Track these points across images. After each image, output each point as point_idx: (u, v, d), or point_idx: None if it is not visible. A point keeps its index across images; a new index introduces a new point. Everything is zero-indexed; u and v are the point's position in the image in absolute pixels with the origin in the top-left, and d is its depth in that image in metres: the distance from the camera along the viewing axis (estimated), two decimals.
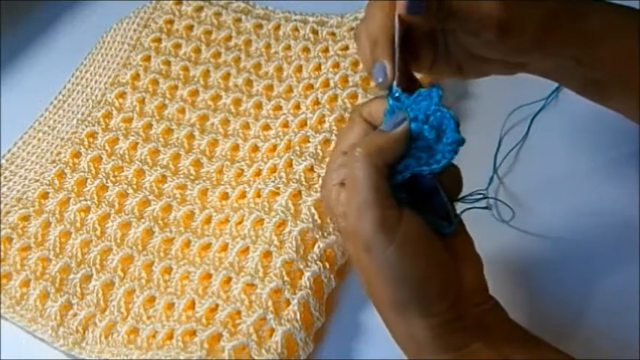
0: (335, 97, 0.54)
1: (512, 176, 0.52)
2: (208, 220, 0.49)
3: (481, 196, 0.40)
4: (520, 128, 0.54)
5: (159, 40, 0.61)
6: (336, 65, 0.56)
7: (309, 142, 0.51)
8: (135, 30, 0.61)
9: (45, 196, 0.51)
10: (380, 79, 0.39)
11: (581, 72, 0.45)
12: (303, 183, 0.49)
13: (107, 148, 0.54)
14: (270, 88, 0.57)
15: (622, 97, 0.46)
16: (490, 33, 0.40)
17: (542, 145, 0.54)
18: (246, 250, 0.46)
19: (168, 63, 0.59)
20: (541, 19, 0.42)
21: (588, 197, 0.51)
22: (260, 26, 0.62)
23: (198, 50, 0.60)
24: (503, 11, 0.40)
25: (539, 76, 0.46)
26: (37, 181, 0.52)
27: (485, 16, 0.40)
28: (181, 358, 0.42)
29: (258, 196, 0.49)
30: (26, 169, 0.53)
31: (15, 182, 0.52)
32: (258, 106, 0.56)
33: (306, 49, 0.59)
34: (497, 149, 0.53)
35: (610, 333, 0.44)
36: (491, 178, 0.52)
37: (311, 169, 0.49)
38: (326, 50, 0.58)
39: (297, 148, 0.51)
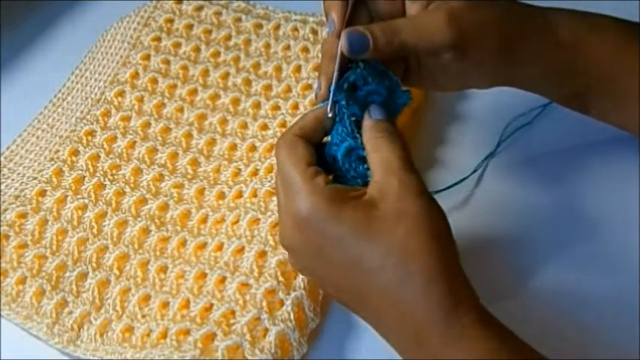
0: None
1: (512, 172, 0.52)
2: (205, 220, 0.49)
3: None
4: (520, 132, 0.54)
5: (159, 39, 0.61)
6: None
7: None
8: (135, 29, 0.61)
9: (42, 193, 0.51)
10: (316, 94, 0.42)
11: (562, 86, 0.46)
12: None
13: (105, 146, 0.54)
14: (269, 88, 0.57)
15: (608, 108, 0.47)
16: (447, 56, 0.42)
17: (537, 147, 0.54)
18: (241, 250, 0.46)
19: (167, 62, 0.59)
20: (501, 34, 0.43)
21: (587, 196, 0.51)
22: (260, 26, 0.62)
23: (197, 49, 0.60)
24: (457, 36, 0.42)
25: (522, 89, 0.47)
26: (34, 178, 0.52)
27: (439, 45, 0.42)
28: (175, 357, 0.42)
29: (255, 195, 0.49)
30: (24, 167, 0.53)
31: (13, 180, 0.52)
32: (257, 105, 0.56)
33: (306, 50, 0.59)
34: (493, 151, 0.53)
35: (610, 333, 0.44)
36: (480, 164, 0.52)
37: None
38: None
39: None
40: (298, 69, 0.58)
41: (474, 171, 0.52)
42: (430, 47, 0.42)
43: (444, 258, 0.36)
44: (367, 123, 0.40)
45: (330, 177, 0.39)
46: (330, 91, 0.41)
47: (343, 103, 0.40)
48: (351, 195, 0.37)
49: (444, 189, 0.50)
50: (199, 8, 0.63)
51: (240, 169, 0.52)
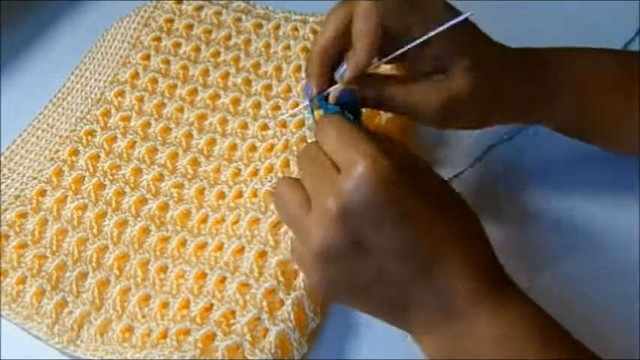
0: None
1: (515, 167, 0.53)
2: (205, 220, 0.49)
3: None
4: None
5: (159, 39, 0.61)
6: None
7: (306, 142, 0.51)
8: (135, 29, 0.61)
9: (42, 193, 0.51)
10: (306, 95, 0.43)
11: (560, 126, 0.48)
12: None
13: (105, 146, 0.54)
14: (269, 87, 0.57)
15: (607, 144, 0.48)
16: (432, 124, 0.44)
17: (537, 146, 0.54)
18: (241, 250, 0.46)
19: (167, 62, 0.59)
20: (484, 103, 0.44)
21: (588, 202, 0.51)
22: (260, 26, 0.62)
23: (197, 49, 0.60)
24: (448, 120, 0.43)
25: None
26: (34, 178, 0.52)
27: (428, 123, 0.44)
28: (175, 357, 0.42)
29: (255, 195, 0.49)
30: (24, 167, 0.53)
31: (13, 180, 0.52)
32: (257, 105, 0.56)
33: (306, 50, 0.59)
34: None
35: (610, 332, 0.44)
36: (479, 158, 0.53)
37: None
38: None
39: (295, 148, 0.51)
40: (298, 69, 0.58)
41: (471, 165, 0.52)
42: (419, 121, 0.44)
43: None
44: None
45: None
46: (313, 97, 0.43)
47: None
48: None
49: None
50: (199, 8, 0.63)
51: (240, 169, 0.52)
